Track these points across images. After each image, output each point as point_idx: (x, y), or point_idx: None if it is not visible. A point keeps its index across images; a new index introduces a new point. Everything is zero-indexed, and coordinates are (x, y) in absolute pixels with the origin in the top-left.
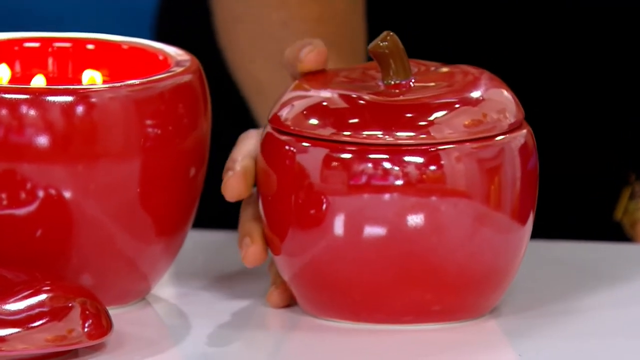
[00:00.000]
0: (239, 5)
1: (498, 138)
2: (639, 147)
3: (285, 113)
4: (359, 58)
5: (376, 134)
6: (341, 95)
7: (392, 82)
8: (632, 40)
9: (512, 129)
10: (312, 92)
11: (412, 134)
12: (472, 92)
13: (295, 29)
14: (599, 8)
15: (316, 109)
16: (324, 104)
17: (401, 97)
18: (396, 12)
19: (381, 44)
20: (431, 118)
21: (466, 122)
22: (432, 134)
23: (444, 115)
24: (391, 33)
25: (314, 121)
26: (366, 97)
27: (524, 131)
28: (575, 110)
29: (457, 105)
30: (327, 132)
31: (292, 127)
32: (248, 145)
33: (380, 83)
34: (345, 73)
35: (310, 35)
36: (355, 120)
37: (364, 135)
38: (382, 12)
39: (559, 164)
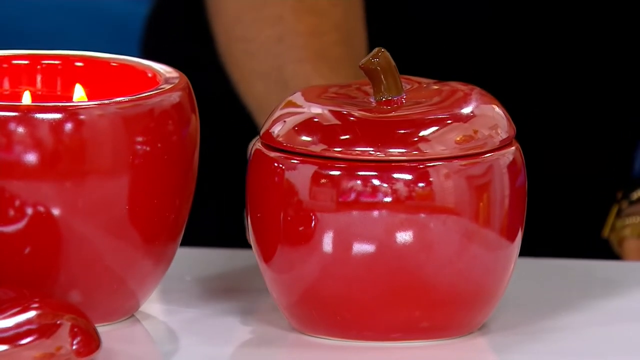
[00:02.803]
0: (237, 26)
1: (486, 155)
2: (627, 165)
3: (277, 130)
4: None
5: (367, 150)
6: (332, 112)
7: (384, 99)
8: (621, 57)
9: (503, 145)
10: (304, 109)
11: (403, 150)
12: (463, 108)
13: (290, 43)
14: (592, 22)
15: (307, 126)
16: (315, 120)
17: (392, 114)
18: (395, 18)
19: (372, 60)
20: (422, 134)
21: (457, 139)
22: (423, 151)
23: (435, 132)
24: (382, 49)
25: (305, 137)
26: (357, 113)
27: (513, 148)
28: (564, 129)
29: (448, 122)
30: (317, 148)
31: (284, 144)
32: None
33: (371, 99)
34: (337, 89)
35: (305, 48)
36: (346, 137)
37: (355, 152)
38: (380, 18)
39: (547, 181)
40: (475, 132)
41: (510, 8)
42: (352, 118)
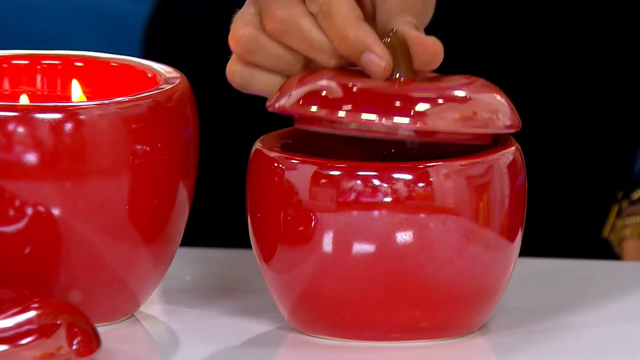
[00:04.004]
0: None
1: (486, 155)
2: (627, 164)
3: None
4: None
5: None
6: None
7: (397, 75)
8: (621, 56)
9: (508, 133)
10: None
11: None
12: (462, 90)
13: None
14: (592, 22)
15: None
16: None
17: (398, 88)
18: None
19: (385, 40)
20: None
21: (457, 117)
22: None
23: (438, 106)
24: (395, 29)
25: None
26: (360, 84)
27: (513, 148)
28: (564, 128)
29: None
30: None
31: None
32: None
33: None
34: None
35: None
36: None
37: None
38: None
39: (547, 181)
40: (475, 113)
41: (510, 7)
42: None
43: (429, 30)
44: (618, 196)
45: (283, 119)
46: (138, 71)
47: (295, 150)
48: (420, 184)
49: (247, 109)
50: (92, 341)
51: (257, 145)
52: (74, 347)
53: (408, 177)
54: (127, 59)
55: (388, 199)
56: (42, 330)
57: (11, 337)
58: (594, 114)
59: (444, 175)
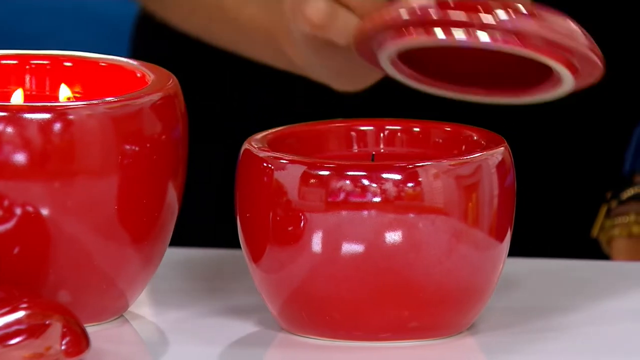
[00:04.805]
0: None
1: (475, 155)
2: (616, 164)
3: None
4: None
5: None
6: None
7: None
8: (613, 56)
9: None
10: None
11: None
12: None
13: None
14: (587, 21)
15: None
16: None
17: None
18: None
19: None
20: None
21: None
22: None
23: None
24: None
25: None
26: None
27: (502, 148)
28: (554, 128)
29: None
30: None
31: None
32: None
33: None
34: None
35: None
36: None
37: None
38: None
39: (536, 181)
40: None
41: None
42: None
43: None
44: (607, 196)
45: (273, 119)
46: (127, 71)
47: (285, 150)
48: (410, 184)
49: (236, 109)
50: (81, 341)
51: (246, 144)
52: (63, 347)
53: (397, 177)
54: (116, 59)
55: (377, 199)
56: (31, 330)
57: (0, 337)
58: (584, 114)
59: (433, 175)
